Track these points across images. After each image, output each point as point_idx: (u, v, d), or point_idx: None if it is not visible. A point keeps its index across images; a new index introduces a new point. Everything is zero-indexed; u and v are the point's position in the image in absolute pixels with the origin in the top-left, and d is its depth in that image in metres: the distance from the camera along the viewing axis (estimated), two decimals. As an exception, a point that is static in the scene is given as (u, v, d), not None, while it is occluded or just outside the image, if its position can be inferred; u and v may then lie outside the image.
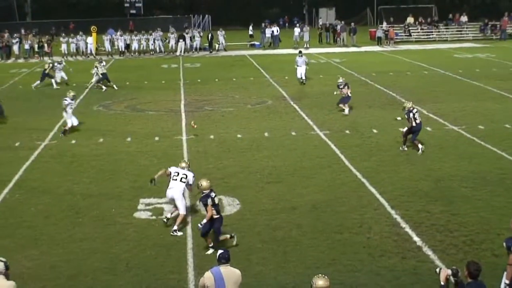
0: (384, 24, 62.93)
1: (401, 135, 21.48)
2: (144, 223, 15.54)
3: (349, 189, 17.67)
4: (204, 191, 13.60)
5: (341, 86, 27.45)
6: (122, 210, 16.38)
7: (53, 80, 36.88)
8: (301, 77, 35.75)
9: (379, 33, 59.57)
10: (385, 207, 16.15)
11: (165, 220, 15.26)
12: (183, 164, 15.56)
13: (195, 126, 24.02)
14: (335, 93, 27.94)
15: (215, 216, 13.59)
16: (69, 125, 24.75)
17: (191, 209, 16.14)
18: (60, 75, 37.59)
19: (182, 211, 14.96)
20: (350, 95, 27.41)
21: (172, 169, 15.37)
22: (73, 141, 23.67)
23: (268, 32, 59.64)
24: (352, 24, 61.19)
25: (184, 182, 15.17)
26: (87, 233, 14.97)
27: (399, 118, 20.87)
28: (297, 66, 35.84)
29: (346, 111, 27.20)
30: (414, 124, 20.81)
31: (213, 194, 13.63)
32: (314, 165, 19.96)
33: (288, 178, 18.78)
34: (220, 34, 57.91)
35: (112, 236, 14.78)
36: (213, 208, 13.53)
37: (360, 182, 18.20)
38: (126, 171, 19.94)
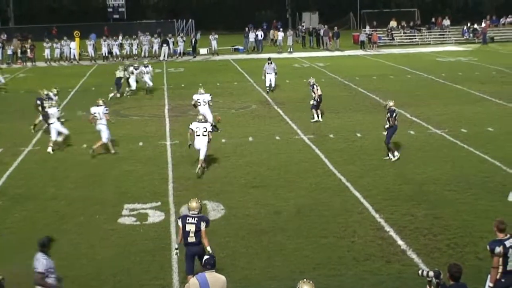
0: (367, 28, 63.13)
1: (385, 143, 20.96)
2: (128, 228, 15.52)
3: (333, 193, 17.72)
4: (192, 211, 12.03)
5: (312, 86, 27.41)
6: (107, 216, 16.36)
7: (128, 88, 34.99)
8: (270, 85, 34.87)
9: (362, 37, 59.77)
10: (369, 211, 16.22)
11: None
12: (200, 117, 20.15)
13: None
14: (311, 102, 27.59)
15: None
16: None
17: (176, 214, 16.14)
18: (146, 79, 35.28)
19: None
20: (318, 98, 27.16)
21: (193, 125, 19.67)
22: (57, 147, 23.56)
23: (251, 36, 59.71)
24: (335, 28, 61.37)
25: (206, 136, 19.55)
26: (72, 239, 14.93)
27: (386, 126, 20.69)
28: (266, 73, 34.87)
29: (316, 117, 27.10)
30: (396, 123, 20.59)
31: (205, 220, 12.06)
32: (299, 170, 20.01)
33: (273, 182, 18.81)
34: (213, 38, 57.20)
35: (97, 242, 14.75)
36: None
37: (344, 186, 18.26)
38: (110, 176, 19.92)
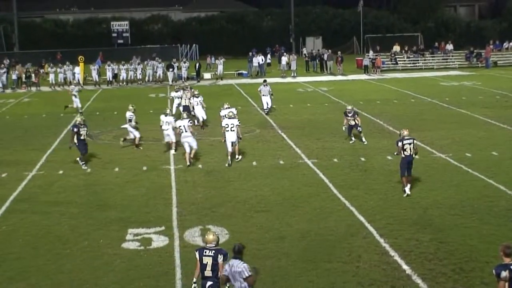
0: (371, 52, 63.33)
1: (400, 177, 19.84)
2: (132, 253, 15.47)
3: (338, 217, 17.67)
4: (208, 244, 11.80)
5: (350, 114, 27.26)
6: (110, 241, 16.30)
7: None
8: (267, 107, 35.70)
9: (366, 62, 59.92)
10: (374, 235, 16.15)
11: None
12: (230, 114, 24.71)
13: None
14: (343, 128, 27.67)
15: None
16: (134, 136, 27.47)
17: (180, 239, 16.10)
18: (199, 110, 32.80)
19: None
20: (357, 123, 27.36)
21: (224, 122, 24.04)
22: (61, 172, 23.59)
23: (255, 61, 59.90)
24: (339, 52, 61.55)
25: (234, 130, 23.62)
26: (75, 264, 14.87)
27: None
28: (262, 95, 35.77)
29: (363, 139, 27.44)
30: (402, 155, 19.54)
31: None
32: (303, 194, 19.97)
33: (277, 207, 18.77)
34: (219, 62, 57.38)
35: (100, 267, 14.69)
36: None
37: (349, 211, 18.21)
38: (114, 201, 19.89)
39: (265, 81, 37.26)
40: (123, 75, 55.09)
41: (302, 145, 27.04)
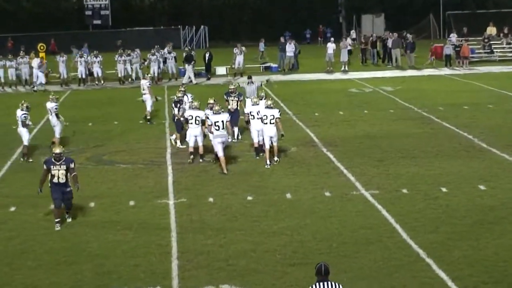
0: (454, 36, 63.21)
1: None
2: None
3: (409, 273, 17.62)
4: None
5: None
6: (83, 308, 16.39)
7: None
8: (250, 112, 34.73)
9: (448, 50, 59.80)
10: (460, 299, 16.13)
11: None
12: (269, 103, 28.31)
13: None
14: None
15: None
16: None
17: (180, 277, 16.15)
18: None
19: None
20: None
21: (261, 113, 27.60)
22: (12, 209, 23.70)
23: (289, 49, 59.68)
24: (409, 37, 61.48)
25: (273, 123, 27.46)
26: None
27: None
28: (246, 97, 34.59)
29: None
30: None
31: None
32: (358, 240, 19.94)
33: (321, 258, 18.68)
34: (238, 52, 57.19)
35: None
36: None
37: (425, 263, 18.16)
38: (89, 250, 19.93)
39: (250, 77, 36.64)
40: (96, 69, 55.19)
41: (356, 170, 27.03)
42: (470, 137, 31.81)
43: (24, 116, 29.77)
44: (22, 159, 30.18)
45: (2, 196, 25.22)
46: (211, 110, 28.50)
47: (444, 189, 24.36)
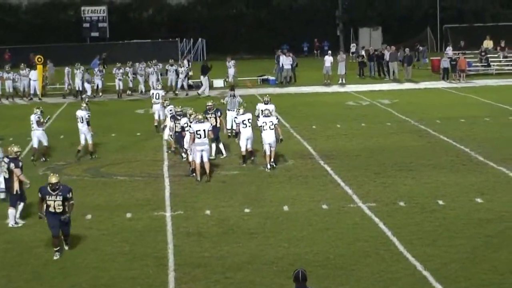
0: (451, 50, 63.24)
1: None
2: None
3: (406, 286, 17.62)
4: None
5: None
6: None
7: None
8: (231, 127, 34.98)
9: (445, 63, 59.90)
10: (458, 312, 16.11)
11: None
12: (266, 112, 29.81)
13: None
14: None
15: None
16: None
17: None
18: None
19: None
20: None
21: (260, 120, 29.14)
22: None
23: (286, 62, 59.76)
24: (406, 50, 61.56)
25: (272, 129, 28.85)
26: None
27: None
28: (227, 110, 35.17)
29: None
30: None
31: None
32: (355, 252, 19.94)
33: (318, 271, 18.74)
34: (229, 65, 58.07)
35: None
36: None
37: (421, 276, 18.16)
38: (85, 264, 19.90)
39: (232, 88, 37.36)
40: (97, 82, 55.26)
41: (353, 183, 27.04)
42: (467, 150, 31.83)
43: (38, 116, 31.55)
44: (43, 159, 32.24)
45: (-1, 208, 25.24)
46: (194, 119, 28.74)
47: (441, 202, 24.36)
